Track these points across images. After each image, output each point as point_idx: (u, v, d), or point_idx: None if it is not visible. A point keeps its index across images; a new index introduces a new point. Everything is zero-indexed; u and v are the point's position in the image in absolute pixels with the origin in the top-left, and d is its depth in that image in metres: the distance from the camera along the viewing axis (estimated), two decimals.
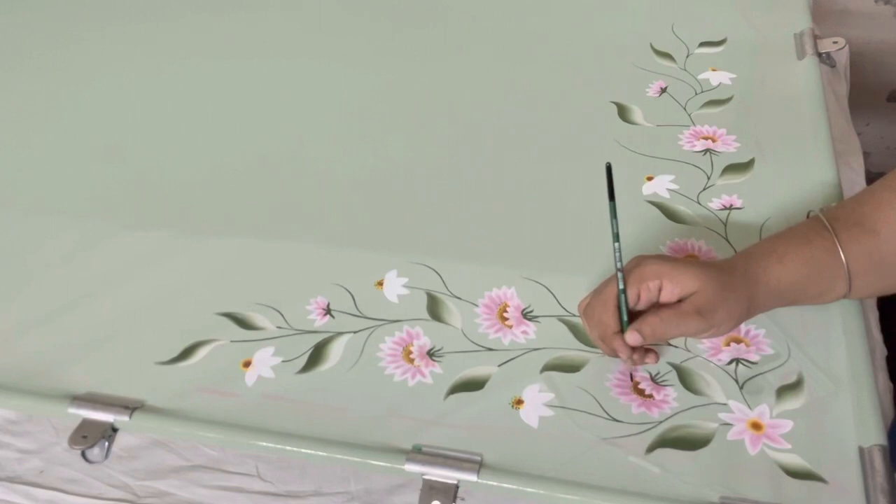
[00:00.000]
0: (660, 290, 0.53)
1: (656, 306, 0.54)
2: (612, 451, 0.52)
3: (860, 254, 0.54)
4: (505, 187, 0.72)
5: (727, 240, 0.65)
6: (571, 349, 0.58)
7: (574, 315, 0.60)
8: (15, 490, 0.61)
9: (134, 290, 0.65)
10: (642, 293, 0.54)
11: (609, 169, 0.56)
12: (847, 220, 0.55)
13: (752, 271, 0.54)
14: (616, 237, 0.55)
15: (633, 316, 0.54)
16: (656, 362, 0.56)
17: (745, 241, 0.64)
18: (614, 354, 0.56)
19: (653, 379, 0.56)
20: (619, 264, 0.54)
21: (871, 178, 1.08)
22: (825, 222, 0.55)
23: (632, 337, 0.53)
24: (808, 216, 0.60)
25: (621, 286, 0.54)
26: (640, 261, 0.55)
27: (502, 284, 0.63)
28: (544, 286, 0.63)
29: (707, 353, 0.57)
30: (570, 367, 0.57)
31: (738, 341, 0.57)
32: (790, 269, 0.54)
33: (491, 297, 0.62)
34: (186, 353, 0.60)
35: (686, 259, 0.55)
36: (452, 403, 0.55)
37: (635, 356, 0.55)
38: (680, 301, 0.53)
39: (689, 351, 0.57)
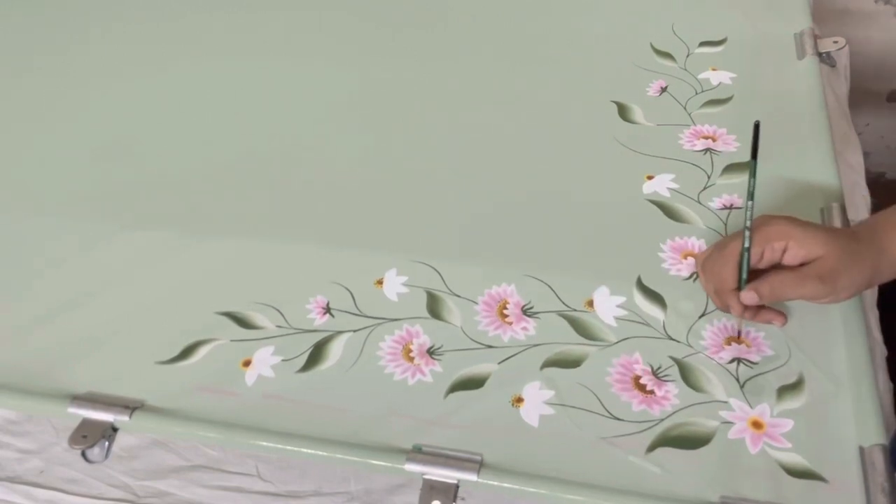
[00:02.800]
0: (784, 251, 0.53)
1: (777, 267, 0.54)
2: (612, 450, 0.52)
3: None
4: (505, 186, 0.72)
5: None
6: (571, 343, 0.58)
7: (575, 309, 0.60)
8: (15, 490, 0.61)
9: (134, 290, 0.65)
10: (766, 253, 0.54)
11: (756, 127, 0.56)
12: None
13: (878, 242, 0.54)
14: (751, 195, 0.55)
15: (752, 274, 0.54)
16: (783, 324, 0.56)
17: None
18: (726, 309, 0.56)
19: (654, 373, 0.56)
20: (748, 223, 0.54)
21: (871, 178, 1.08)
22: None
23: (748, 296, 0.53)
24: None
25: (747, 244, 0.54)
26: (767, 220, 0.55)
27: (502, 282, 0.63)
28: (545, 283, 0.63)
29: (708, 350, 0.57)
30: (571, 363, 0.57)
31: (738, 342, 0.57)
32: None
33: (491, 295, 0.62)
34: (186, 352, 0.60)
35: (813, 223, 0.55)
36: (453, 402, 0.55)
37: (747, 314, 0.55)
38: (802, 264, 0.53)
39: (690, 347, 0.57)
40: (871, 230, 0.55)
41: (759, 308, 0.55)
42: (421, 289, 0.63)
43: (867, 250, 0.53)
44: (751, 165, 0.55)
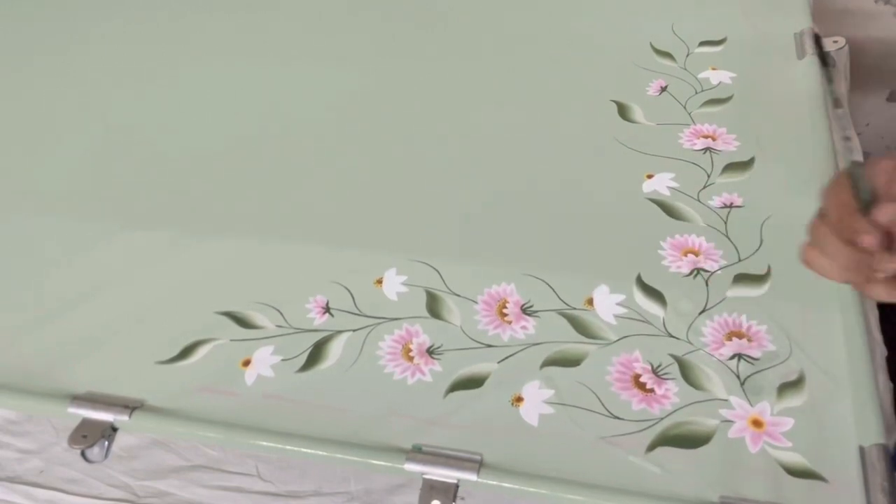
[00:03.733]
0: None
1: None
2: (612, 450, 0.52)
3: None
4: (504, 185, 0.72)
5: (728, 237, 0.65)
6: (571, 342, 0.58)
7: (574, 308, 0.60)
8: (15, 490, 0.61)
9: (134, 290, 0.65)
10: (881, 175, 0.42)
11: (818, 39, 0.47)
12: None
13: None
14: (836, 102, 0.47)
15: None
16: None
17: (745, 240, 0.64)
18: (850, 266, 0.43)
19: (654, 372, 0.56)
20: (847, 132, 0.46)
21: None
22: None
23: (885, 210, 0.41)
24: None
25: (858, 157, 0.44)
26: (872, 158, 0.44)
27: (502, 281, 0.63)
28: (544, 282, 0.63)
29: (709, 346, 0.57)
30: (570, 362, 0.57)
31: (739, 336, 0.57)
32: None
33: (490, 294, 0.62)
34: (186, 352, 0.60)
35: None
36: (452, 402, 0.55)
37: (892, 260, 0.41)
38: None
39: (691, 344, 0.57)
40: None
41: None
42: (420, 288, 0.63)
43: None
44: (823, 73, 0.47)
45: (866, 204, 0.42)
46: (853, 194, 0.43)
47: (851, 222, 0.42)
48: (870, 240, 0.41)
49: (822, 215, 0.45)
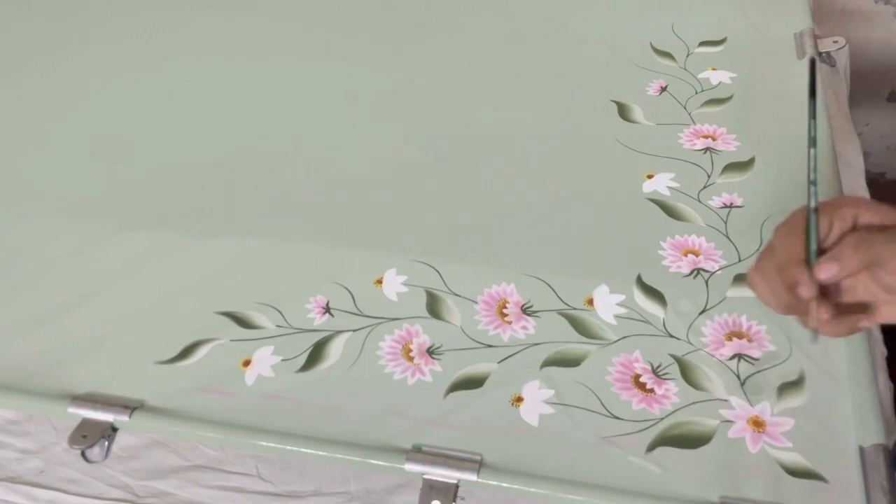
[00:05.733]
0: (855, 223, 0.45)
1: None
2: (612, 450, 0.52)
3: None
4: (505, 185, 0.72)
5: (728, 237, 0.65)
6: (571, 342, 0.58)
7: (574, 308, 0.60)
8: (15, 490, 0.61)
9: (134, 290, 0.65)
10: (835, 223, 0.45)
11: (813, 63, 0.48)
12: None
13: None
14: (813, 142, 0.46)
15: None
16: (871, 322, 0.45)
17: (745, 240, 0.64)
18: (790, 307, 0.45)
19: (654, 372, 0.56)
20: (812, 175, 0.45)
21: (871, 178, 1.08)
22: None
23: (827, 268, 0.43)
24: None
25: (814, 203, 0.44)
26: (833, 198, 0.47)
27: (502, 281, 0.63)
28: (544, 282, 0.63)
29: (709, 347, 0.57)
30: (571, 362, 0.57)
31: (740, 336, 0.57)
32: None
33: (490, 294, 0.62)
34: (186, 352, 0.60)
35: None
36: (452, 402, 0.55)
37: (822, 311, 0.43)
38: None
39: (691, 344, 0.57)
40: None
41: (836, 312, 0.44)
42: (420, 288, 0.63)
43: None
44: (809, 106, 0.47)
45: (813, 254, 0.44)
46: (803, 242, 0.45)
47: (794, 272, 0.44)
48: (806, 293, 0.44)
49: (771, 249, 0.47)
